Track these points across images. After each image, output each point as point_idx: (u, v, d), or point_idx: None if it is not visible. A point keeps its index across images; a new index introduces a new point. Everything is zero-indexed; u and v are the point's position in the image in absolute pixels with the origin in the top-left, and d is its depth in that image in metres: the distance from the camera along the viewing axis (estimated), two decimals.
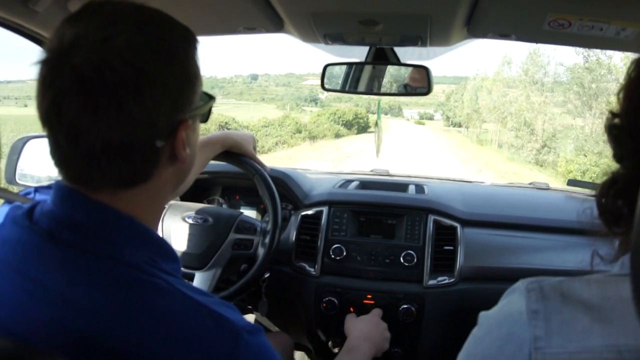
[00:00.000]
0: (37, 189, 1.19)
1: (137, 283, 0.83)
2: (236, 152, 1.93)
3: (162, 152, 0.90)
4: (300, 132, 45.86)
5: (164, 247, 0.96)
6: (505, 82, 48.66)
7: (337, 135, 54.47)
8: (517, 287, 0.79)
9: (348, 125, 68.28)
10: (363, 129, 72.00)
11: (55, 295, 0.81)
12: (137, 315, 0.81)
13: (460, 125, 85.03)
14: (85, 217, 0.86)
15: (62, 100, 0.80)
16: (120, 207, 0.89)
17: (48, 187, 1.21)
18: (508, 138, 47.32)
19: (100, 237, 0.86)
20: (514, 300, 0.77)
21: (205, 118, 1.07)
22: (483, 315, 0.83)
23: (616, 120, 0.78)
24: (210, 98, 1.05)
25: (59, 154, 0.86)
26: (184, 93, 0.90)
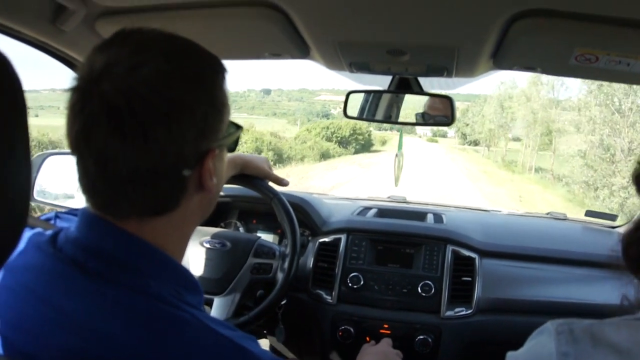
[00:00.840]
0: (57, 215, 1.19)
1: (163, 315, 0.83)
2: (250, 174, 1.90)
3: (189, 181, 0.90)
4: (260, 151, 33.87)
5: (189, 279, 0.95)
6: (551, 85, 38.61)
7: (324, 156, 44.87)
8: (546, 328, 0.78)
9: (344, 142, 58.93)
10: (363, 147, 61.97)
11: (78, 325, 0.80)
12: (161, 348, 0.80)
13: (476, 144, 74.88)
14: (111, 246, 0.86)
15: (91, 127, 0.80)
16: (147, 237, 0.89)
17: (68, 212, 1.21)
18: (546, 162, 37.54)
19: (127, 267, 0.86)
20: (543, 342, 0.76)
21: (232, 148, 1.09)
22: (511, 355, 0.82)
23: None
24: (238, 128, 1.06)
25: (87, 181, 0.86)
26: (212, 122, 0.90)
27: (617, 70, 1.53)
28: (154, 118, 0.81)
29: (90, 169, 0.83)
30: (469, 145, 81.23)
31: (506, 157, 54.62)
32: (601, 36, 1.38)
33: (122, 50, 0.83)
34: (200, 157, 0.89)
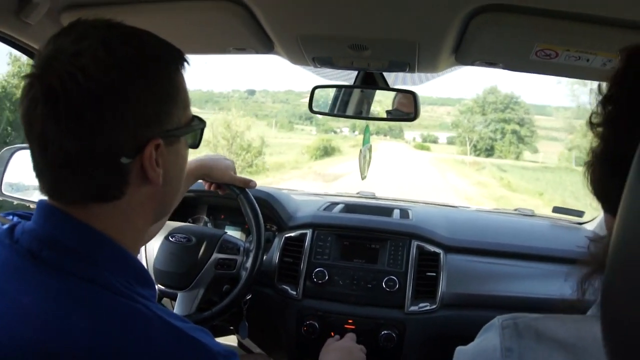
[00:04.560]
0: (15, 214, 1.19)
1: (117, 307, 0.83)
2: (215, 180, 1.88)
3: (130, 169, 0.90)
4: None
5: (141, 272, 0.96)
6: None
7: None
8: (493, 323, 0.79)
9: None
10: None
11: (35, 316, 0.80)
12: (115, 339, 0.80)
13: (490, 154, 54.01)
14: (64, 236, 0.87)
15: (32, 111, 0.83)
16: (96, 225, 0.89)
17: (28, 214, 1.21)
18: None
19: (80, 257, 0.86)
20: (489, 337, 0.77)
21: (194, 143, 1.08)
22: (459, 350, 0.83)
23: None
24: (201, 122, 1.06)
25: (34, 165, 0.88)
26: (153, 111, 0.90)
27: (577, 66, 1.55)
28: (87, 102, 0.82)
29: (35, 152, 0.86)
30: (478, 155, 58.00)
31: None
32: (561, 32, 1.39)
33: (67, 39, 0.85)
34: (140, 146, 0.89)
